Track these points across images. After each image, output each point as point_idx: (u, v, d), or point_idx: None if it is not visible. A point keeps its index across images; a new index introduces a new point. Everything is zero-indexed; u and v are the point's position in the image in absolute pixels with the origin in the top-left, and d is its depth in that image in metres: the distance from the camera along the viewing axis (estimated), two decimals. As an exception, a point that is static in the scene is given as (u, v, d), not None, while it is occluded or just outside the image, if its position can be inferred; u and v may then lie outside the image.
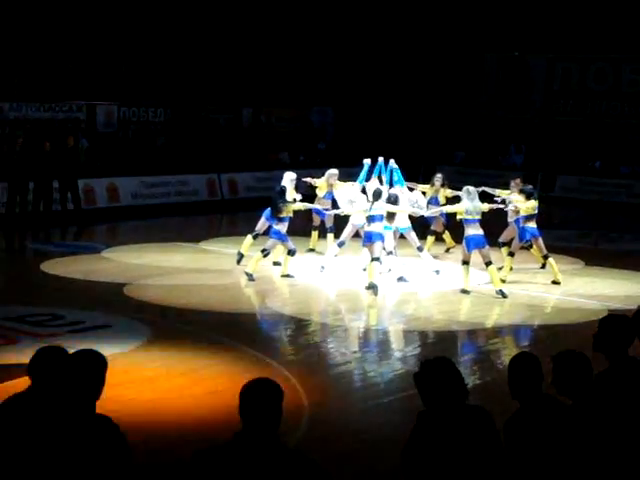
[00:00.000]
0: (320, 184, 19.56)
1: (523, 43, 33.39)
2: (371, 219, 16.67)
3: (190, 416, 10.36)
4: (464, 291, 16.49)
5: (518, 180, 18.98)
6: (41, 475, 5.14)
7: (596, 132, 31.51)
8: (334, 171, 19.50)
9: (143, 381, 11.54)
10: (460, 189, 18.24)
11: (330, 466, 5.13)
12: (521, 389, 5.97)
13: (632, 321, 7.09)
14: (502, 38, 33.46)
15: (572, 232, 24.13)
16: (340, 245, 18.18)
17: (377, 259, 16.26)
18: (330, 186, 19.22)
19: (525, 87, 33.42)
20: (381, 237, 16.51)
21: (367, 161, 18.53)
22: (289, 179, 18.28)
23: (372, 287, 16.13)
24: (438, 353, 5.94)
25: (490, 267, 16.24)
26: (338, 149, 31.68)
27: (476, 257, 16.34)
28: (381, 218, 16.60)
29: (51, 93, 26.29)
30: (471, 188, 17.30)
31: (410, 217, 18.11)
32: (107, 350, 12.29)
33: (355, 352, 13.42)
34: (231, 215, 25.47)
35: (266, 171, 28.63)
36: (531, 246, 18.04)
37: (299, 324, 14.73)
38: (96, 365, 5.41)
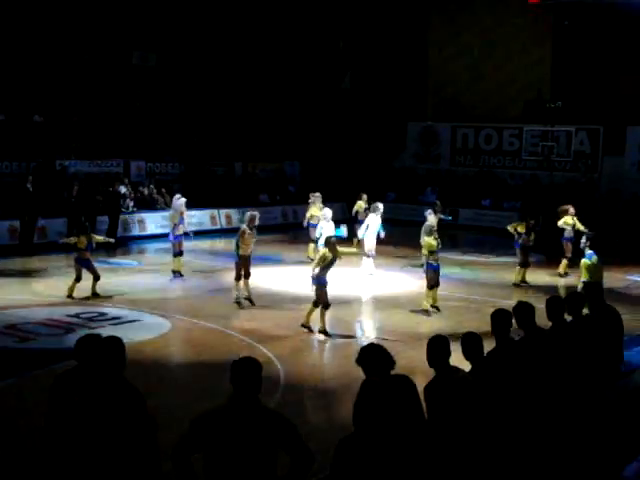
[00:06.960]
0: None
1: (434, 116, 33.65)
2: None
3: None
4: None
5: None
6: (83, 428, 5.02)
7: (486, 179, 31.67)
8: None
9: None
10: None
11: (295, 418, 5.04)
12: (435, 360, 5.98)
13: (512, 312, 7.12)
14: (420, 112, 33.74)
15: (469, 248, 24.18)
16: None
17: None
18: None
19: (436, 147, 33.56)
20: None
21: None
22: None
23: None
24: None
25: None
26: (303, 191, 31.61)
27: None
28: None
29: (98, 154, 26.10)
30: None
31: None
32: (138, 337, 12.25)
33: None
34: (228, 238, 25.20)
35: (252, 207, 28.45)
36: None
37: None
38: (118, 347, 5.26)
